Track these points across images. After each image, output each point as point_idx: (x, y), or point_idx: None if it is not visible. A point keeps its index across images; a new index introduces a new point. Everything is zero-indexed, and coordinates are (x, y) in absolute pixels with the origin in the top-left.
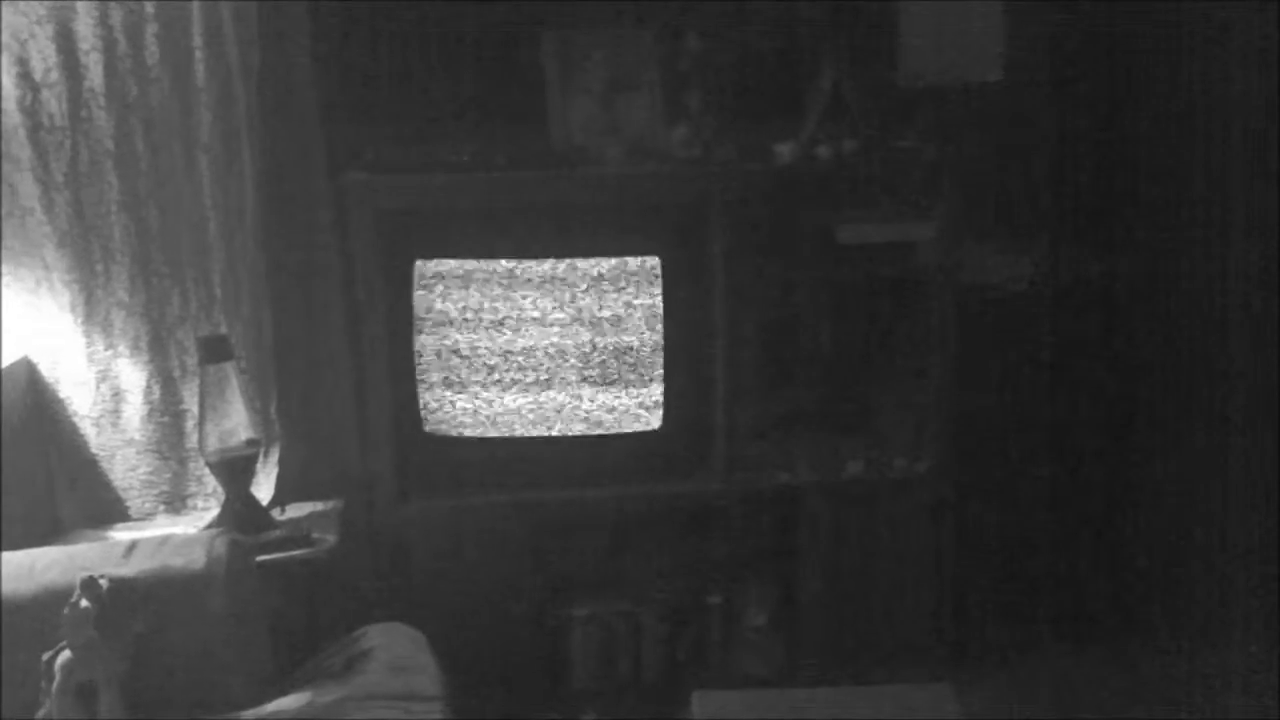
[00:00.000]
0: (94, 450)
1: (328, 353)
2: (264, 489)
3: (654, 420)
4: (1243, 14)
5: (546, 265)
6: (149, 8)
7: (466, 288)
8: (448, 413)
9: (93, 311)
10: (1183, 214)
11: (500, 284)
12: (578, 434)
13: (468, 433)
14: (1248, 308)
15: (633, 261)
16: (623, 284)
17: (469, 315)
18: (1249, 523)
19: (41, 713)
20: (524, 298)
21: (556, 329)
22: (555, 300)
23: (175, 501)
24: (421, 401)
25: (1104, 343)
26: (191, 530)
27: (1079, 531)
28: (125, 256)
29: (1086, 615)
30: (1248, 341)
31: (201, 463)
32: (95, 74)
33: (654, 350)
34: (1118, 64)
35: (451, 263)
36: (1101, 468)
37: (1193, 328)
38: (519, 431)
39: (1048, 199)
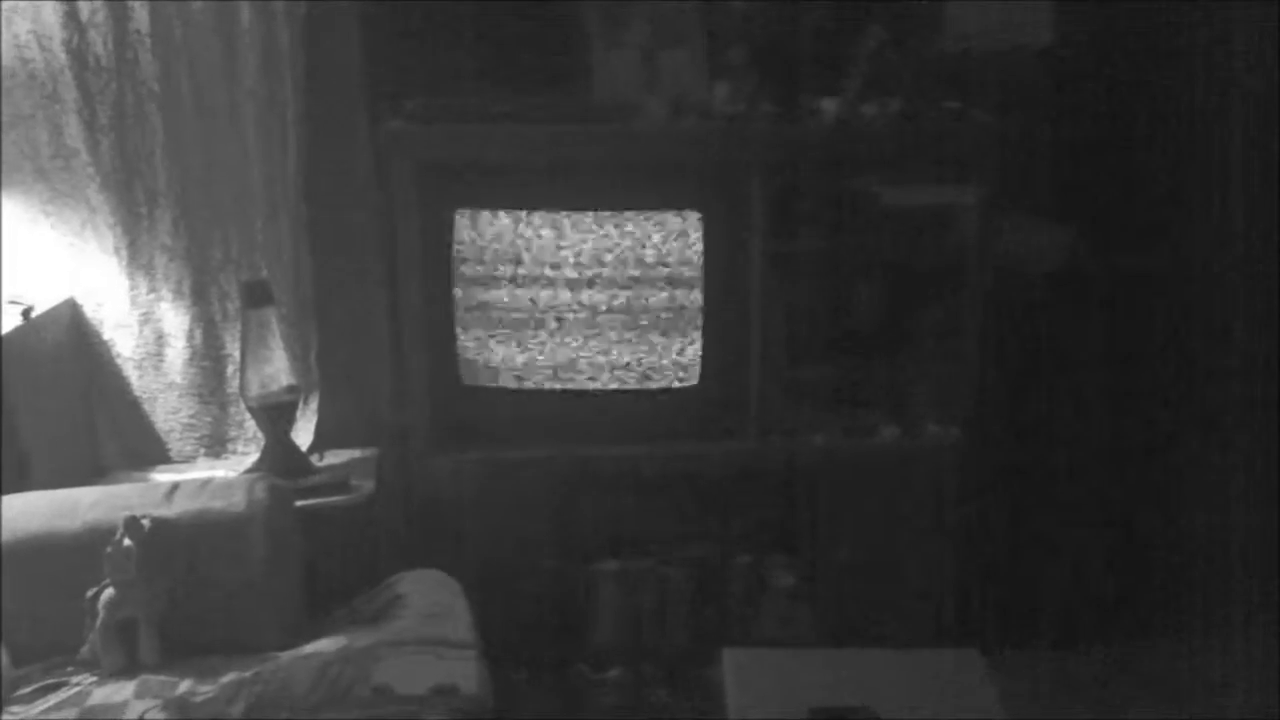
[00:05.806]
0: (136, 393)
1: (367, 302)
2: (303, 435)
3: (690, 378)
4: None
5: (587, 218)
6: None
7: (506, 239)
8: (485, 364)
9: (137, 254)
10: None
11: (540, 236)
12: (613, 389)
13: (504, 385)
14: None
15: (673, 217)
16: (662, 240)
17: (508, 267)
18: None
19: (85, 648)
20: (563, 250)
21: (596, 282)
22: (595, 253)
23: (215, 445)
24: (459, 353)
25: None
26: (232, 474)
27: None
28: (169, 200)
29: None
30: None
31: (242, 407)
32: (141, 16)
33: (691, 307)
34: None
35: (492, 213)
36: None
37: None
38: (555, 385)
39: (1089, 173)
